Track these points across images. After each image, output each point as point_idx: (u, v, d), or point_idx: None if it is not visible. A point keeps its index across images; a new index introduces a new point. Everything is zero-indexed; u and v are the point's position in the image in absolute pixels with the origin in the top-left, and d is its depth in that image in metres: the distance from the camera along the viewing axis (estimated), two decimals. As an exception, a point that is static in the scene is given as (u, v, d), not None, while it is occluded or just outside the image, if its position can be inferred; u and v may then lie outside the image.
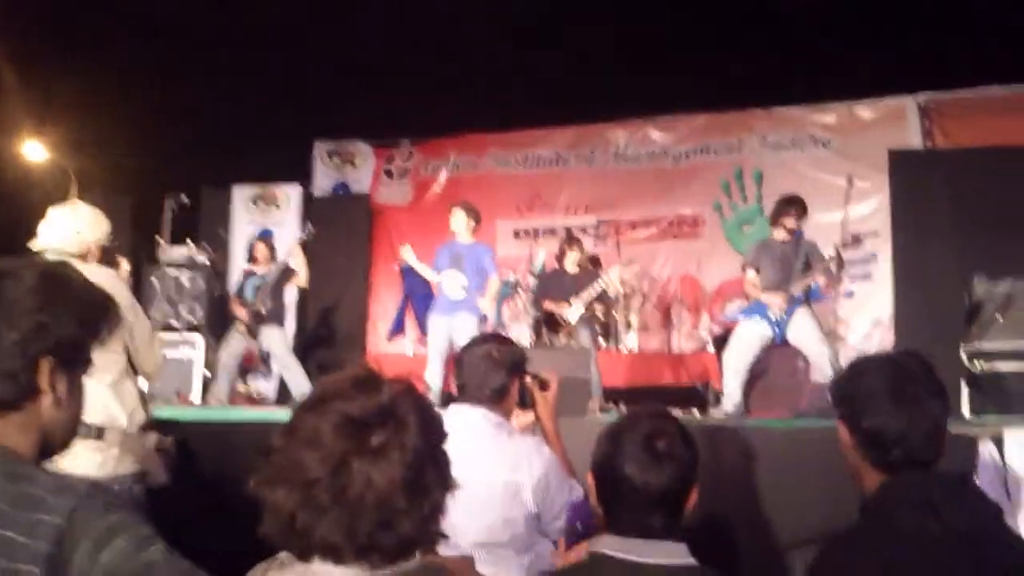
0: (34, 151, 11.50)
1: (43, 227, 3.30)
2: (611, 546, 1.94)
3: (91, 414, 2.93)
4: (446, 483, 1.43)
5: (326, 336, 9.77)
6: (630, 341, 8.81)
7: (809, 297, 6.41)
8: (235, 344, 7.35)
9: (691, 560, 1.93)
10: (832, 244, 6.34)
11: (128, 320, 3.17)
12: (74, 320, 1.45)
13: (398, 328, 10.38)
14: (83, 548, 1.26)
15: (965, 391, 6.09)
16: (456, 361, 2.88)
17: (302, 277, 7.58)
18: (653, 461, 1.94)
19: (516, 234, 10.48)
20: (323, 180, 11.27)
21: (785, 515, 4.04)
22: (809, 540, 3.84)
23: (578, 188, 10.46)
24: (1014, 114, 8.60)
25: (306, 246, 7.54)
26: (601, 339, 8.39)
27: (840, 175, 8.50)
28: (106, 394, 2.99)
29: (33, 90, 10.18)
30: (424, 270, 7.65)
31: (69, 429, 1.50)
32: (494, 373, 2.77)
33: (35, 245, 3.27)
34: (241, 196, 10.72)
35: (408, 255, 7.80)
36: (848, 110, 9.51)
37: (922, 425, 1.93)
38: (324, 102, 10.26)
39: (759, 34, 9.11)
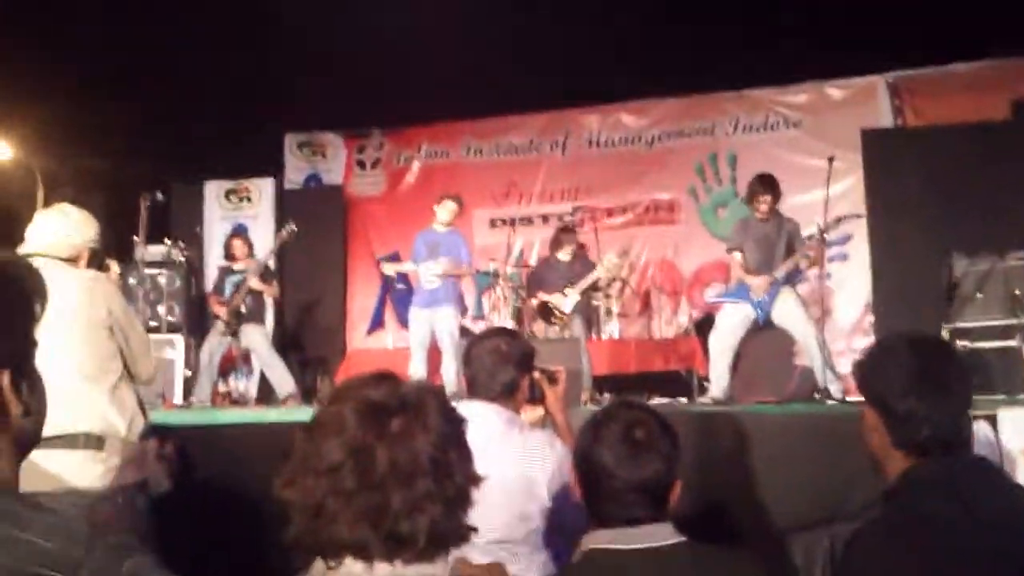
0: (-1, 150, 11.32)
1: (31, 231, 3.24)
2: (600, 540, 1.95)
3: (91, 423, 2.90)
4: (471, 471, 1.42)
5: (305, 333, 9.71)
6: (611, 328, 8.81)
7: (793, 277, 6.44)
8: (215, 343, 7.29)
9: (680, 537, 1.95)
10: (815, 224, 6.38)
11: (123, 324, 3.12)
12: (11, 318, 1.31)
13: (377, 322, 10.34)
14: None
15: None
16: (464, 356, 2.87)
17: (275, 288, 7.53)
18: (633, 453, 1.96)
19: (492, 223, 10.46)
20: (295, 173, 11.18)
21: (778, 501, 4.06)
22: (803, 525, 3.88)
23: (552, 175, 10.46)
24: (983, 90, 8.67)
25: (286, 243, 7.48)
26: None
27: (813, 156, 8.63)
28: (105, 402, 2.95)
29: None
30: (406, 267, 7.65)
31: (40, 428, 1.32)
32: (503, 368, 2.76)
33: (22, 249, 3.20)
34: (213, 192, 10.61)
35: (388, 268, 7.84)
36: (819, 90, 9.58)
37: (950, 408, 1.93)
38: (293, 94, 10.17)
39: (728, 17, 9.09)
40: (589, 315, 8.10)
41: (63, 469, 2.78)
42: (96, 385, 2.95)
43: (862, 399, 2.06)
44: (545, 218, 10.33)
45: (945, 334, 6.32)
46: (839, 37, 8.90)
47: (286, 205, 10.36)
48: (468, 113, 10.57)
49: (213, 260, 9.85)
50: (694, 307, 9.31)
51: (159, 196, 7.32)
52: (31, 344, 1.33)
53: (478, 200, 10.46)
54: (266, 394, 8.09)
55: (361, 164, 11.17)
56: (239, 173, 10.64)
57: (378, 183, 11.07)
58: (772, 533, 4.04)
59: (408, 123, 11.01)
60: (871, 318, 8.37)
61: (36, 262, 3.07)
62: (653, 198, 10.03)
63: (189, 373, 7.86)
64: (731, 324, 6.30)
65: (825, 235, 6.20)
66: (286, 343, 9.50)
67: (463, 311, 8.93)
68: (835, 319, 8.91)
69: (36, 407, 1.30)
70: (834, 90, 9.53)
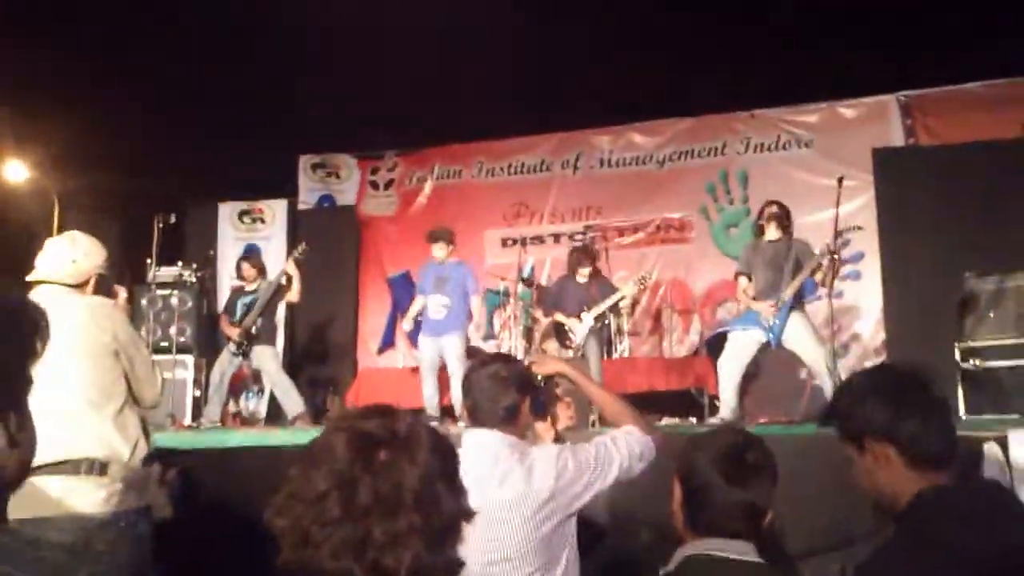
0: (16, 171, 11.37)
1: (40, 258, 3.26)
2: (702, 547, 2.08)
3: (94, 448, 2.90)
4: (460, 506, 1.40)
5: (317, 351, 9.72)
6: (623, 347, 8.80)
7: (802, 298, 6.41)
8: (226, 364, 7.31)
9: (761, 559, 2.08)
10: (824, 242, 6.35)
11: (129, 350, 3.13)
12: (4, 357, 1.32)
13: (388, 341, 10.35)
14: None
15: (961, 390, 6.11)
16: (464, 384, 2.86)
17: (295, 292, 7.54)
18: (746, 473, 2.09)
19: (504, 243, 10.48)
20: (308, 193, 11.26)
21: (788, 525, 4.02)
22: (813, 550, 3.84)
23: (564, 195, 10.48)
24: (994, 108, 8.69)
25: (299, 263, 7.51)
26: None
27: (824, 175, 8.60)
28: (108, 427, 2.95)
29: (14, 109, 10.08)
30: (416, 307, 7.83)
31: (27, 461, 1.35)
32: (503, 393, 2.76)
33: (31, 276, 3.23)
34: (227, 213, 10.67)
35: (408, 324, 8.00)
36: (830, 110, 9.58)
37: (945, 418, 2.02)
38: (308, 116, 10.23)
39: (738, 37, 9.11)
40: (604, 337, 8.09)
41: (66, 494, 2.78)
42: (100, 411, 2.95)
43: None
44: (556, 237, 10.36)
45: (957, 353, 6.29)
46: (850, 56, 8.91)
47: (300, 225, 10.42)
48: (480, 134, 10.64)
49: (226, 280, 9.91)
50: (705, 326, 9.29)
51: (172, 218, 7.37)
52: (25, 381, 1.34)
53: (490, 220, 10.52)
54: (276, 414, 8.10)
55: (374, 185, 11.23)
56: (253, 194, 10.71)
57: (391, 204, 11.11)
58: (783, 558, 4.00)
59: (421, 144, 11.07)
60: (883, 336, 8.31)
61: (44, 288, 3.12)
62: (664, 217, 10.03)
63: (199, 393, 7.89)
64: (741, 347, 6.27)
65: (835, 255, 6.15)
66: (297, 362, 9.53)
67: (479, 332, 8.99)
68: (848, 338, 8.88)
69: (24, 440, 1.31)
70: (846, 109, 9.54)
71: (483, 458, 2.69)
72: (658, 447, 2.84)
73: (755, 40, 9.06)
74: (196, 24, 9.65)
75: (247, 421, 8.61)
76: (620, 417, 2.94)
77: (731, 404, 6.20)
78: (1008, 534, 1.82)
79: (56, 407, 2.15)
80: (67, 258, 3.22)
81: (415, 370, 8.21)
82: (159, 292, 8.11)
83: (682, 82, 9.41)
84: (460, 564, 1.40)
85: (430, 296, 7.60)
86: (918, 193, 7.78)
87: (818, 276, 6.30)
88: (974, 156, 7.72)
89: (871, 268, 8.61)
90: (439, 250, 7.69)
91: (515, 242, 10.18)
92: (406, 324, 8.16)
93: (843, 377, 6.27)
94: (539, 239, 10.38)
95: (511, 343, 8.87)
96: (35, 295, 3.16)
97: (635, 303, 9.14)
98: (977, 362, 6.12)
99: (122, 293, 3.41)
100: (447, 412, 7.40)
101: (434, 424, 1.46)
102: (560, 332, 7.67)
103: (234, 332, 7.39)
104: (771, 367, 6.95)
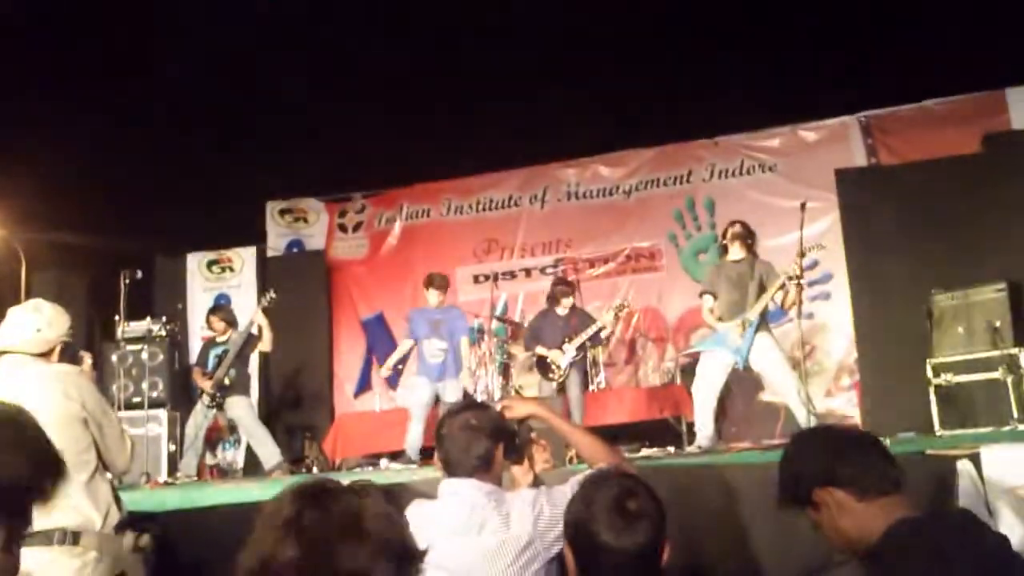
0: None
1: (4, 327, 3.23)
2: None
3: (66, 518, 2.87)
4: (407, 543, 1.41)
5: (292, 398, 9.65)
6: (599, 379, 8.80)
7: (767, 320, 6.46)
8: (200, 417, 7.26)
9: None
10: (788, 264, 6.41)
11: (98, 417, 3.11)
12: (22, 469, 1.42)
13: (364, 384, 10.31)
14: None
15: (934, 406, 6.15)
16: (436, 434, 2.85)
17: (266, 341, 7.53)
18: (627, 524, 2.01)
19: (476, 279, 10.48)
20: (276, 240, 11.19)
21: (763, 553, 4.02)
22: (810, 572, 3.84)
23: (533, 229, 10.53)
24: (952, 125, 8.81)
25: (268, 311, 7.48)
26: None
27: (789, 198, 8.70)
28: (80, 496, 2.92)
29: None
30: (401, 350, 8.04)
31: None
32: (476, 442, 2.75)
33: None
34: (195, 263, 10.62)
35: (386, 371, 8.22)
36: (792, 134, 9.69)
37: (882, 454, 2.13)
38: (272, 162, 10.23)
39: (699, 65, 9.22)
40: (585, 368, 8.10)
41: (40, 566, 2.74)
42: (71, 480, 2.92)
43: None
44: (527, 272, 10.39)
45: (928, 369, 6.34)
46: (809, 80, 9.05)
47: (269, 272, 10.37)
48: (447, 173, 10.67)
49: (198, 332, 9.85)
50: (681, 353, 9.30)
51: (138, 274, 7.34)
52: (22, 499, 1.44)
53: (460, 257, 10.53)
54: (254, 463, 8.03)
55: (343, 228, 11.21)
56: (221, 243, 10.66)
57: (361, 246, 11.10)
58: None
59: (388, 185, 11.07)
60: (855, 355, 8.36)
61: (8, 358, 3.10)
62: (634, 246, 10.09)
63: (174, 448, 7.82)
64: (712, 372, 6.32)
65: (800, 280, 6.21)
66: (274, 410, 9.45)
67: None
68: (820, 358, 8.93)
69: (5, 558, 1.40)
70: (807, 132, 9.66)
71: (460, 508, 2.68)
72: None
73: (715, 68, 9.17)
74: (159, 73, 9.66)
75: (225, 472, 8.53)
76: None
77: (706, 431, 6.22)
78: (974, 569, 1.84)
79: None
80: (31, 327, 3.20)
81: (391, 413, 8.21)
82: (129, 348, 8.04)
83: (645, 112, 9.51)
84: None
85: (425, 340, 7.68)
86: (882, 211, 7.83)
87: (786, 300, 6.36)
88: (935, 173, 7.80)
89: (840, 288, 8.68)
90: (433, 297, 7.80)
91: (487, 278, 10.17)
92: (384, 371, 8.23)
93: (812, 399, 6.34)
94: (510, 274, 10.40)
95: (488, 380, 8.86)
96: (1, 365, 3.14)
97: (611, 333, 9.16)
98: (949, 377, 6.17)
99: (87, 360, 3.39)
100: (430, 455, 7.34)
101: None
102: (543, 365, 7.71)
103: (207, 384, 7.34)
104: (745, 391, 6.99)
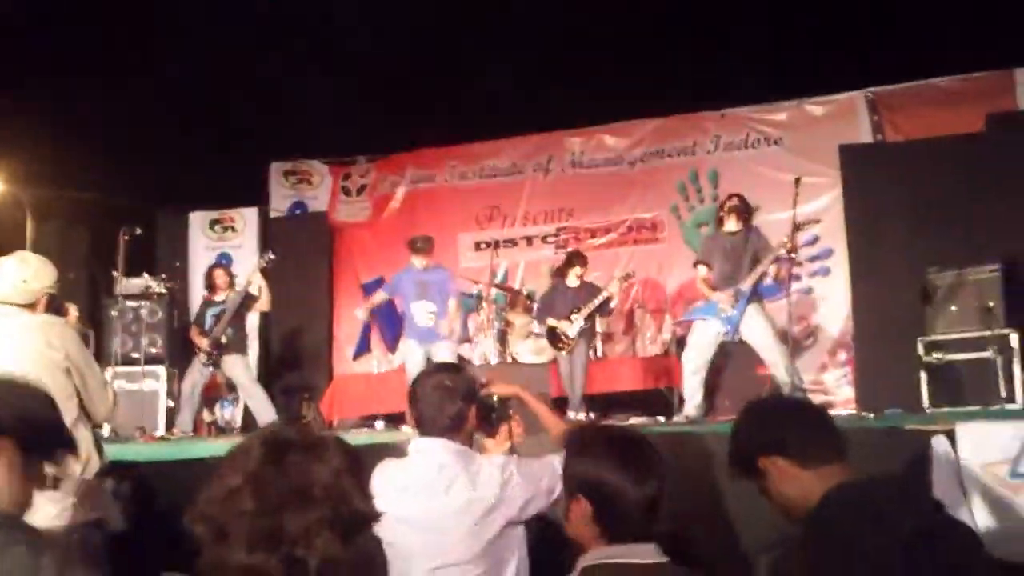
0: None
1: None
2: (603, 555, 2.08)
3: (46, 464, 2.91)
4: (368, 505, 1.45)
5: (291, 359, 9.72)
6: (597, 349, 8.85)
7: (760, 293, 6.50)
8: (197, 374, 7.33)
9: (664, 557, 2.10)
10: (781, 238, 6.44)
11: (80, 367, 3.16)
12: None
13: (363, 347, 10.36)
14: None
15: (924, 383, 6.19)
16: (410, 395, 2.90)
17: (264, 301, 7.58)
18: (641, 473, 2.10)
19: (477, 246, 10.50)
20: (280, 201, 11.22)
21: (746, 521, 4.07)
22: (772, 544, 3.88)
23: (536, 197, 10.51)
24: (960, 104, 8.71)
25: (266, 271, 7.53)
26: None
27: (793, 172, 8.64)
28: (60, 442, 2.97)
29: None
30: (378, 298, 8.14)
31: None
32: (449, 402, 2.80)
33: None
34: (198, 222, 10.66)
35: (362, 313, 8.35)
36: (798, 108, 9.63)
37: (825, 423, 2.25)
38: (278, 123, 10.22)
39: (707, 37, 9.18)
40: (590, 338, 8.23)
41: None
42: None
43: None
44: (529, 240, 10.40)
45: (920, 347, 6.37)
46: (817, 54, 8.98)
47: (271, 233, 10.41)
48: (452, 138, 10.64)
49: (198, 290, 9.89)
50: (677, 325, 9.32)
51: (137, 230, 7.38)
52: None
53: (462, 224, 10.55)
54: (251, 422, 8.11)
55: (346, 191, 11.23)
56: (224, 203, 10.69)
57: (364, 210, 11.12)
58: (743, 553, 4.05)
59: (393, 150, 11.06)
60: (851, 330, 8.39)
61: None
62: (636, 217, 10.07)
63: (172, 404, 7.89)
64: (702, 342, 6.37)
65: (792, 255, 6.25)
66: (272, 370, 9.53)
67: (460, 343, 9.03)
68: (817, 332, 8.96)
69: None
70: (813, 107, 9.59)
71: (428, 466, 2.73)
72: None
73: (723, 40, 9.12)
74: (165, 32, 9.64)
75: (222, 430, 8.61)
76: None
77: (695, 400, 6.28)
78: (903, 525, 1.91)
79: None
80: (17, 279, 3.26)
81: (389, 376, 8.26)
82: (128, 303, 8.10)
83: (652, 83, 9.45)
84: (372, 558, 1.46)
85: (414, 303, 7.72)
86: (885, 189, 7.85)
87: (780, 273, 6.41)
88: (939, 151, 7.78)
89: (840, 264, 8.69)
90: (417, 261, 7.83)
91: (488, 245, 10.19)
92: (361, 313, 8.32)
93: (801, 375, 6.40)
94: (512, 242, 10.42)
95: (485, 346, 8.92)
96: None
97: (617, 303, 9.22)
98: (939, 355, 6.21)
99: (72, 311, 3.45)
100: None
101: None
102: (553, 335, 7.84)
103: (204, 342, 7.40)
104: (734, 362, 7.03)
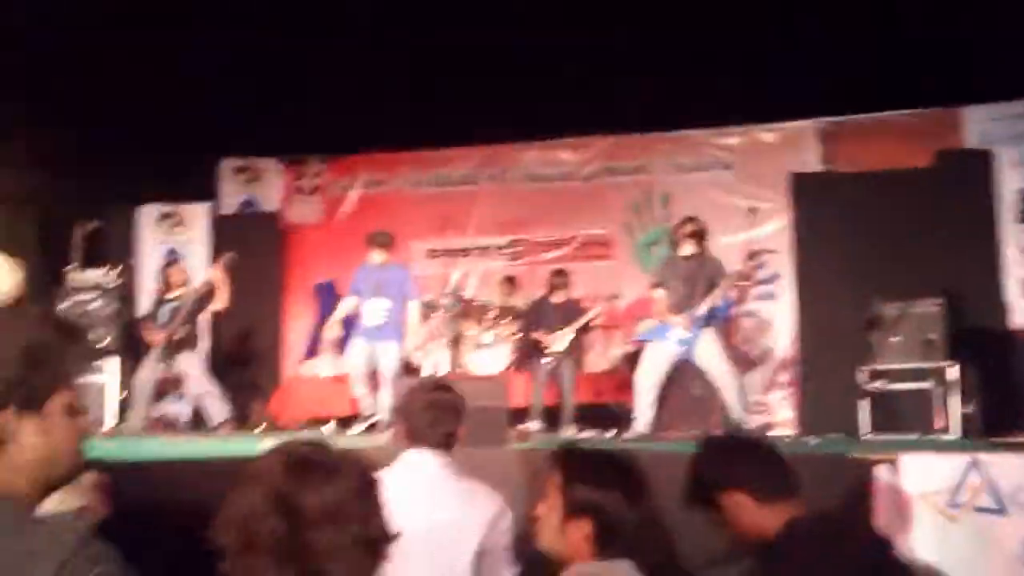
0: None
1: None
2: (591, 572, 2.21)
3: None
4: (387, 523, 1.54)
5: (240, 358, 9.63)
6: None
7: (714, 316, 6.65)
8: (149, 370, 7.28)
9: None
10: (739, 262, 6.63)
11: None
12: (23, 365, 1.52)
13: (313, 349, 10.33)
14: None
15: (865, 411, 6.39)
16: (402, 408, 2.97)
17: (223, 298, 7.53)
18: (635, 493, 2.29)
19: (431, 253, 10.55)
20: (230, 198, 11.10)
21: (691, 538, 4.17)
22: (714, 560, 4.01)
23: (490, 207, 10.58)
24: (910, 138, 9.00)
25: (227, 270, 7.50)
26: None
27: (744, 197, 8.91)
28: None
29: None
30: (343, 308, 7.80)
31: (57, 461, 1.57)
32: (444, 420, 2.87)
33: None
34: (148, 216, 10.52)
35: (331, 331, 8.01)
36: (750, 134, 9.85)
37: (780, 463, 2.41)
38: (231, 118, 10.13)
39: (663, 57, 9.31)
40: (576, 354, 8.39)
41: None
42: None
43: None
44: (483, 250, 10.46)
45: (863, 375, 6.58)
46: (772, 81, 9.17)
47: (221, 230, 10.31)
48: (407, 143, 10.64)
49: (147, 284, 9.79)
50: (628, 341, 9.45)
51: (93, 223, 7.32)
52: (34, 388, 1.56)
53: (415, 231, 10.54)
54: (198, 419, 8.06)
55: (299, 190, 11.17)
56: (174, 198, 10.56)
57: (316, 210, 11.08)
58: (685, 571, 4.16)
59: (347, 151, 11.02)
60: (794, 354, 8.60)
61: None
62: (588, 233, 10.20)
63: (124, 395, 7.80)
64: (655, 361, 6.51)
65: (746, 282, 6.44)
66: (221, 368, 9.42)
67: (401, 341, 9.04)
68: (761, 353, 9.16)
69: (41, 442, 1.55)
70: (765, 133, 9.81)
71: (418, 478, 2.79)
72: None
73: (680, 61, 9.27)
74: (119, 22, 9.53)
75: (170, 425, 8.54)
76: None
77: (645, 418, 6.41)
78: (847, 555, 2.15)
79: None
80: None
81: (340, 378, 8.24)
82: (78, 297, 8.00)
83: (608, 100, 9.58)
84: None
85: (368, 300, 7.52)
86: (832, 218, 8.07)
87: (730, 294, 6.58)
88: (887, 184, 8.03)
89: (786, 288, 8.88)
90: (376, 256, 7.66)
91: (441, 253, 10.24)
92: (329, 331, 8.09)
93: (747, 396, 6.58)
94: (465, 251, 10.48)
95: (437, 355, 8.96)
96: None
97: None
98: (880, 383, 6.42)
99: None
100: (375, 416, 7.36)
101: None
102: (538, 347, 8.07)
103: (158, 338, 7.35)
104: (685, 380, 7.18)
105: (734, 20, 9.00)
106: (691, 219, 6.89)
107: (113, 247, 9.93)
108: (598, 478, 2.29)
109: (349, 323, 7.96)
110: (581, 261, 10.11)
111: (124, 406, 7.73)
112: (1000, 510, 3.62)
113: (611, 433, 7.04)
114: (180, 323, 7.36)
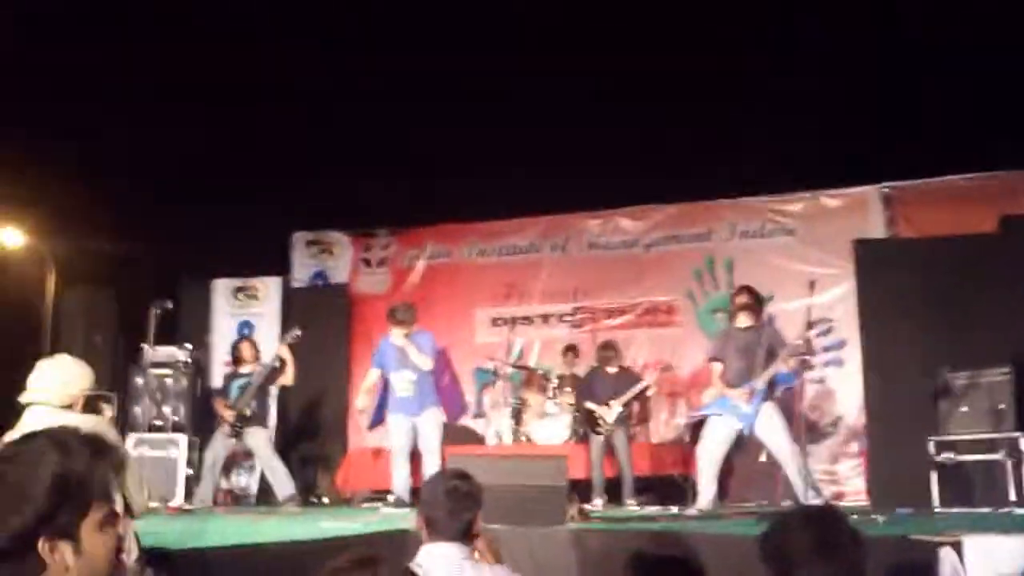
0: (11, 237, 11.37)
1: (31, 380, 3.49)
2: None
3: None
4: None
5: (308, 430, 9.80)
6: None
7: (775, 387, 6.60)
8: (219, 446, 7.45)
9: None
10: (797, 335, 6.57)
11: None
12: (52, 495, 1.54)
13: (379, 418, 10.42)
14: None
15: (935, 483, 6.26)
16: (423, 497, 3.03)
17: (289, 376, 7.72)
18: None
19: (494, 322, 10.64)
20: (302, 271, 11.39)
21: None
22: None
23: (553, 276, 10.66)
24: (974, 202, 8.85)
25: (292, 346, 7.68)
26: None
27: (807, 263, 8.85)
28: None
29: (11, 176, 10.20)
30: (370, 379, 7.98)
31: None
32: (462, 509, 2.91)
33: (24, 398, 3.48)
34: (221, 289, 10.84)
35: (362, 402, 8.12)
36: (813, 199, 9.80)
37: (843, 570, 2.20)
38: (301, 193, 10.44)
39: (726, 124, 9.38)
40: (628, 424, 8.40)
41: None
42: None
43: None
44: (545, 318, 10.53)
45: (931, 446, 6.45)
46: (834, 147, 9.17)
47: (293, 303, 10.57)
48: (473, 215, 10.83)
49: (220, 357, 10.05)
50: (692, 410, 9.39)
51: (168, 305, 7.57)
52: (73, 514, 1.57)
53: (480, 300, 10.70)
54: (266, 492, 8.20)
55: (367, 262, 11.39)
56: (247, 271, 10.87)
57: (383, 281, 11.27)
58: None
59: (414, 223, 11.25)
60: (863, 422, 8.45)
61: (37, 409, 3.35)
62: (652, 300, 10.20)
63: (191, 472, 8.00)
64: (717, 437, 6.47)
65: (806, 356, 6.38)
66: (289, 440, 9.60)
67: (462, 409, 9.10)
68: (830, 423, 9.02)
69: (79, 566, 1.56)
70: (828, 199, 9.76)
71: (445, 571, 2.83)
72: None
73: (741, 127, 9.33)
74: (191, 96, 9.91)
75: (238, 498, 8.70)
76: None
77: (708, 494, 6.37)
78: None
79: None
80: (57, 381, 3.48)
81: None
82: (154, 372, 8.26)
83: (670, 168, 9.66)
84: None
85: (393, 373, 7.58)
86: (897, 284, 7.95)
87: (789, 364, 6.51)
88: (953, 249, 7.90)
89: (853, 355, 8.76)
90: (397, 335, 7.65)
91: (504, 322, 10.34)
92: (360, 401, 8.16)
93: (811, 472, 6.47)
94: (528, 319, 10.56)
95: (499, 424, 9.02)
96: (29, 415, 3.39)
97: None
98: (950, 455, 6.29)
99: (108, 411, 3.65)
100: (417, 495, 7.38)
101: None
102: (591, 419, 8.07)
103: (229, 414, 7.54)
104: (748, 450, 7.12)
105: (795, 86, 9.06)
106: (746, 288, 6.86)
107: (188, 320, 10.24)
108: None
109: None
110: (644, 328, 10.13)
111: (192, 482, 7.92)
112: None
113: (674, 509, 6.96)
114: (250, 399, 7.53)
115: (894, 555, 3.88)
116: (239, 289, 10.87)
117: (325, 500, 8.27)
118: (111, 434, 3.43)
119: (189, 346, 8.66)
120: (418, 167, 10.13)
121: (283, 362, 7.74)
